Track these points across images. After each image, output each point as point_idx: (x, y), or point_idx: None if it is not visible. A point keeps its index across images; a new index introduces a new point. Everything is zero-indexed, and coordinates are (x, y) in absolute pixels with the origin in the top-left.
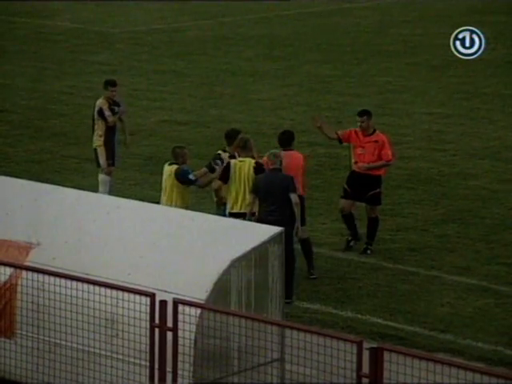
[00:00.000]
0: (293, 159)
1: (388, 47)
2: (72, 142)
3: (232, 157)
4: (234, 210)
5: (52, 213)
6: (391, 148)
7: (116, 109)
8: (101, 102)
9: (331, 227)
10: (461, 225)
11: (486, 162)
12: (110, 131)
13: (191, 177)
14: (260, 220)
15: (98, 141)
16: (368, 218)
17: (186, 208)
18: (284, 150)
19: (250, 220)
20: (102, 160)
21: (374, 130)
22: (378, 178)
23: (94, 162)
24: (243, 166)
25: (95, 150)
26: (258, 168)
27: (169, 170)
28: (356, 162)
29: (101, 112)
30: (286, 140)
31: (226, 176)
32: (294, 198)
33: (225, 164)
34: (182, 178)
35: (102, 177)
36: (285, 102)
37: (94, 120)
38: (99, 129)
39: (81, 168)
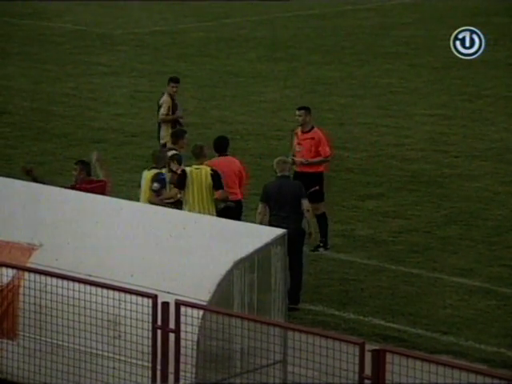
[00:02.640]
0: (230, 164)
1: (390, 49)
2: (74, 144)
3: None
4: None
5: (54, 214)
6: (329, 144)
7: (179, 104)
8: (164, 100)
9: (333, 229)
10: (463, 227)
11: (488, 164)
12: (175, 126)
13: (154, 187)
14: None
15: (167, 136)
16: (315, 215)
17: None
18: (220, 156)
19: None
20: None
21: (312, 127)
22: (316, 174)
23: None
24: (199, 174)
25: (165, 145)
26: (215, 175)
27: (149, 175)
28: (293, 159)
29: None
30: (221, 145)
31: (182, 183)
32: (305, 204)
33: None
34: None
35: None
36: (287, 104)
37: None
38: (166, 124)
39: None
